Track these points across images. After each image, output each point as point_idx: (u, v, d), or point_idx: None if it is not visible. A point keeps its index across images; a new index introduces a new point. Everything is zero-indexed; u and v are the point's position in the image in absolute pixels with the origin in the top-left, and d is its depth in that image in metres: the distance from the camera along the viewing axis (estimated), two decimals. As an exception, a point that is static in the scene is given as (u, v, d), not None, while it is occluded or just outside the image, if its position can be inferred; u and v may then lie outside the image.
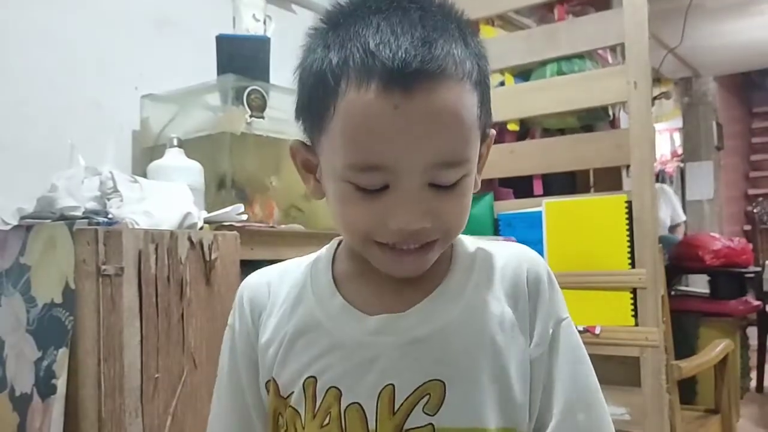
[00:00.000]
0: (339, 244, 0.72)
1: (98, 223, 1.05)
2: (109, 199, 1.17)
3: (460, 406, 0.62)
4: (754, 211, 5.03)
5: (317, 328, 0.67)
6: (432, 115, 0.56)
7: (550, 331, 0.66)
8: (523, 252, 0.70)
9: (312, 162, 0.66)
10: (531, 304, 0.66)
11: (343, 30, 0.59)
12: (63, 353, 0.99)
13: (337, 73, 0.57)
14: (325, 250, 0.73)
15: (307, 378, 0.66)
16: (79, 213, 1.12)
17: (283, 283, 0.72)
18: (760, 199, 6.03)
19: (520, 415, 0.64)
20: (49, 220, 1.12)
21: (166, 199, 1.20)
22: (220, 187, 1.41)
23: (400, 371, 0.63)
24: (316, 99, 0.60)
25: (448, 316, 0.65)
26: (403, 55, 0.55)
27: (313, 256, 0.74)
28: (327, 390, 0.64)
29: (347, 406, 0.63)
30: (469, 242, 0.71)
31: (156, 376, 1.03)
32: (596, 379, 0.67)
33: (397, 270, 0.64)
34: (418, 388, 0.62)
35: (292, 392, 0.67)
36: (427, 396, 0.62)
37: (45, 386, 1.02)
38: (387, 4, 0.59)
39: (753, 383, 3.90)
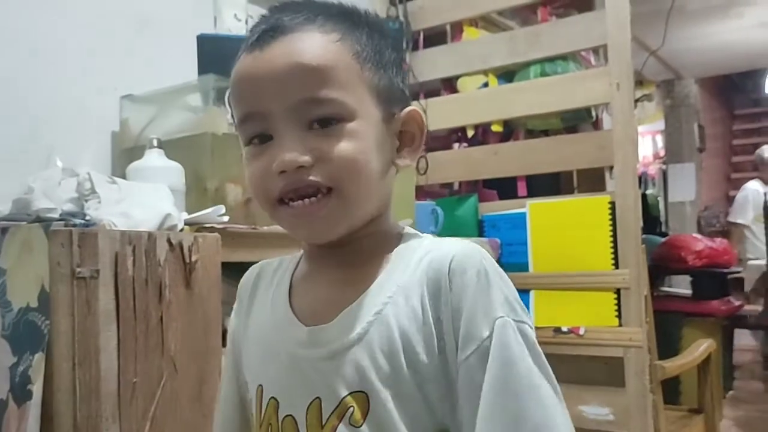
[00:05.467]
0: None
1: (75, 225, 1.03)
2: (86, 201, 1.15)
3: (384, 415, 0.61)
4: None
5: (266, 335, 0.70)
6: (284, 55, 0.62)
7: (482, 333, 0.58)
8: (456, 246, 0.63)
9: None
10: (453, 303, 0.60)
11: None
12: (39, 358, 0.97)
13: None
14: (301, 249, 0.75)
15: (258, 385, 0.69)
16: (55, 215, 1.10)
17: (266, 277, 0.75)
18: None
19: (446, 415, 0.61)
20: (24, 222, 1.10)
21: (146, 201, 1.18)
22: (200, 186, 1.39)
23: (324, 385, 0.63)
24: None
25: (366, 323, 0.62)
26: (273, 22, 0.63)
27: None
28: (269, 400, 0.67)
29: (283, 418, 0.65)
30: (417, 241, 0.67)
31: (134, 380, 1.01)
32: (538, 393, 0.58)
33: (301, 231, 0.66)
34: (341, 401, 0.62)
35: (250, 397, 0.71)
36: (352, 408, 0.61)
37: (21, 392, 1.00)
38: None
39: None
